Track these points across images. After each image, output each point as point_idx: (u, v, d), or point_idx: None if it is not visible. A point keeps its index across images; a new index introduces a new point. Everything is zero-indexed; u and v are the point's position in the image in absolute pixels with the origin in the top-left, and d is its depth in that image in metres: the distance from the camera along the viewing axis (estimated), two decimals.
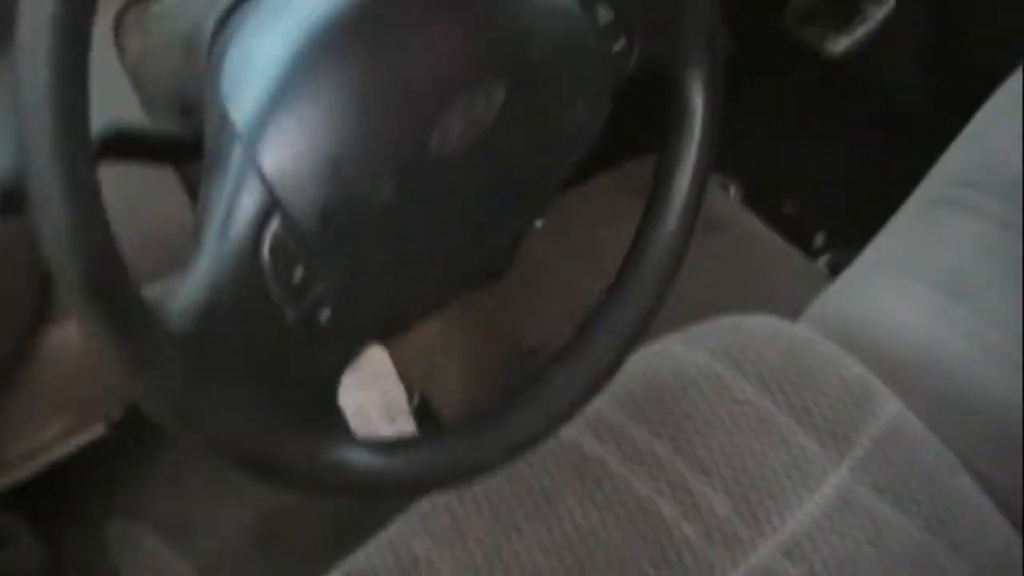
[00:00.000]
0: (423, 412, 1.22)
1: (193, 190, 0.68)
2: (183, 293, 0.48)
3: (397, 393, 1.24)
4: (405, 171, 0.53)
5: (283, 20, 0.53)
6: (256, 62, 0.52)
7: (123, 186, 0.55)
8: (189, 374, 0.47)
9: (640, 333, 0.64)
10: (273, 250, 0.50)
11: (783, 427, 0.79)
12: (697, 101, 0.64)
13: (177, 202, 0.69)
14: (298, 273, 0.50)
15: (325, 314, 0.51)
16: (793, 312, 1.00)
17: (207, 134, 0.53)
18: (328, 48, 0.52)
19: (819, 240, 1.39)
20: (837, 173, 1.36)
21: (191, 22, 0.59)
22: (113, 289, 0.44)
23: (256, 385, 0.50)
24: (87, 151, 0.43)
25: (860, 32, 1.14)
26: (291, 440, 0.51)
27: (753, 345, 0.83)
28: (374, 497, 0.56)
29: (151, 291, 0.47)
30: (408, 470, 0.56)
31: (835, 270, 1.37)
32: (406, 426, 1.21)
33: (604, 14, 0.59)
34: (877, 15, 1.12)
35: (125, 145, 0.54)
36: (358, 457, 0.53)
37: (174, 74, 0.61)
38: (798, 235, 1.37)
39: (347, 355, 0.53)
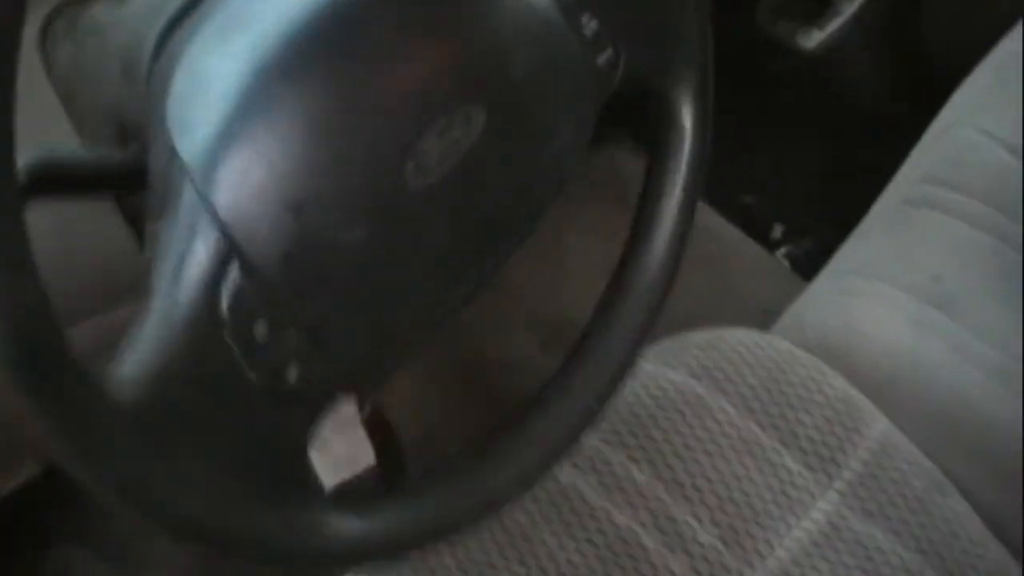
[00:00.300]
0: (375, 422, 1.17)
1: (133, 218, 0.61)
2: (131, 356, 0.43)
3: (346, 402, 1.18)
4: (378, 206, 0.47)
5: (235, 37, 0.47)
6: (206, 86, 0.46)
7: (55, 212, 0.49)
8: (139, 451, 0.41)
9: (629, 367, 0.59)
10: (231, 302, 0.44)
11: (768, 450, 0.76)
12: (687, 116, 0.59)
13: (115, 228, 0.63)
14: (260, 327, 0.45)
15: (292, 372, 0.46)
16: (756, 307, 0.97)
17: (153, 167, 0.47)
18: (287, 70, 0.46)
19: (777, 231, 1.36)
20: (798, 165, 1.33)
21: (130, 34, 0.52)
22: (46, 359, 0.38)
23: (216, 456, 0.44)
24: (11, 198, 0.37)
25: (833, 26, 1.10)
26: (259, 514, 0.46)
27: (733, 362, 0.79)
28: (359, 564, 0.51)
29: (92, 359, 0.41)
30: (393, 531, 0.50)
31: (793, 262, 1.34)
32: (357, 437, 1.16)
33: (588, 23, 0.54)
34: (848, 9, 1.09)
35: (56, 180, 0.47)
36: (336, 524, 0.48)
37: (111, 94, 0.54)
38: (756, 226, 1.33)
39: (317, 414, 0.48)
